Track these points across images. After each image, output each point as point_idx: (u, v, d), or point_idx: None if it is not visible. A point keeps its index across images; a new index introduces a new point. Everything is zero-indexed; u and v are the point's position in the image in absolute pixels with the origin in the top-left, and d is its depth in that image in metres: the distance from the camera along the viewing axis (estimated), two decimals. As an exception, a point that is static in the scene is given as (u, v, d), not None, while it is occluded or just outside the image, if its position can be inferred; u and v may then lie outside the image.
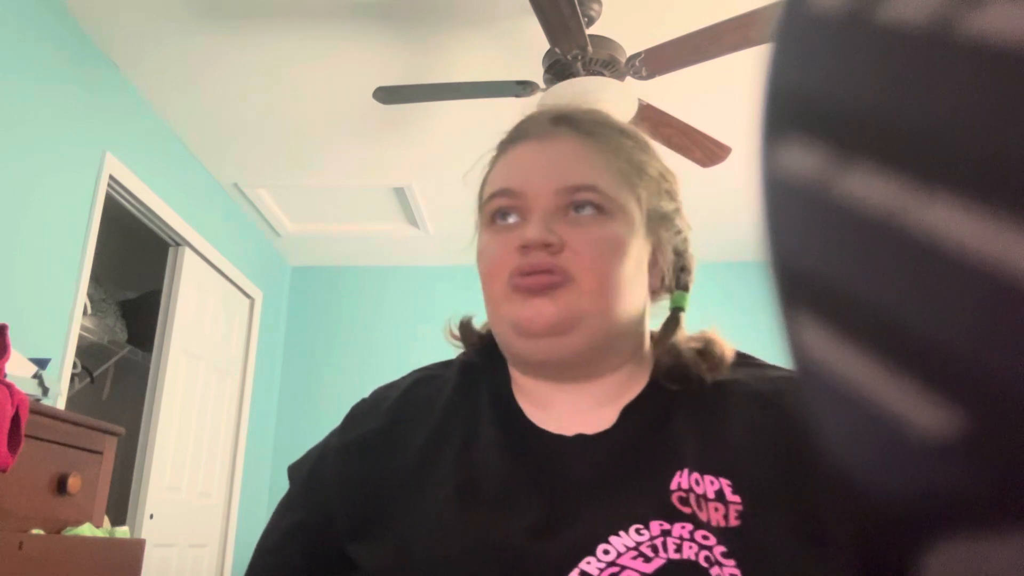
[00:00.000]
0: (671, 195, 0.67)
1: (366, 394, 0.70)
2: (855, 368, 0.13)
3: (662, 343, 0.64)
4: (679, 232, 0.68)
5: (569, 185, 0.59)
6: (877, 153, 0.13)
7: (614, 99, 2.29)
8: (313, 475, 0.65)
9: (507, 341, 0.60)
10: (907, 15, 0.12)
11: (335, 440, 0.66)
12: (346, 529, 0.59)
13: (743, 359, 0.65)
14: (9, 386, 1.55)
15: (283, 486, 0.68)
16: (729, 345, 0.63)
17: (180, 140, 3.31)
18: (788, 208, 0.15)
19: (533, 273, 0.57)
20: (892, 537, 0.14)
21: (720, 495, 0.51)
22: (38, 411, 1.68)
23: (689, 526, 0.50)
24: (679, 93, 2.80)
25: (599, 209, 0.59)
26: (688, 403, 0.59)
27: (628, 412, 0.60)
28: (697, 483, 0.52)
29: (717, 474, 0.53)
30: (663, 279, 0.65)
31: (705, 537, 0.49)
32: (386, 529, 0.57)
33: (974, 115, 0.11)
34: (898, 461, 0.13)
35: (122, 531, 1.93)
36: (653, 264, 0.64)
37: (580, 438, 0.58)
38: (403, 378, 0.69)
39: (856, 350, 0.13)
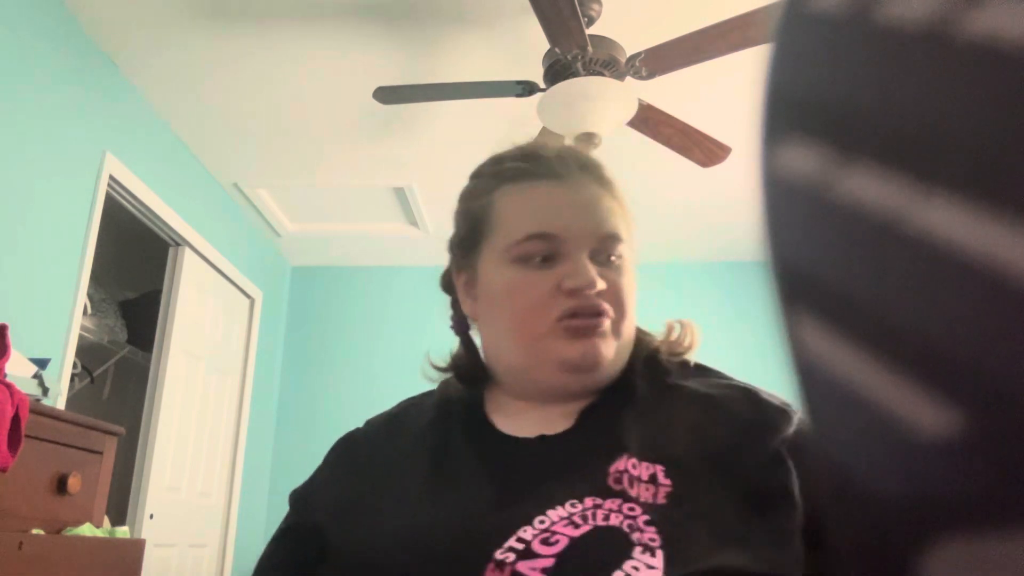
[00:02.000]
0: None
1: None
2: (855, 368, 0.13)
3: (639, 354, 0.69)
4: None
5: (607, 233, 0.64)
6: (877, 153, 0.13)
7: (614, 99, 2.29)
8: (307, 488, 0.71)
9: (543, 374, 0.64)
10: (906, 15, 0.12)
11: (328, 458, 0.73)
12: (327, 518, 0.64)
13: (701, 369, 0.69)
14: (9, 386, 1.55)
15: (283, 485, 0.72)
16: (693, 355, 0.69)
17: (180, 140, 3.31)
18: (788, 208, 0.15)
19: (590, 316, 0.62)
20: (892, 537, 0.14)
21: (653, 478, 0.56)
22: (38, 411, 1.67)
23: (619, 500, 0.54)
24: (679, 93, 2.80)
25: (620, 258, 0.65)
26: (640, 403, 0.64)
27: (585, 414, 0.65)
28: (634, 467, 0.57)
29: (653, 461, 0.57)
30: None
31: (631, 509, 0.53)
32: (361, 509, 0.63)
33: (973, 115, 0.11)
34: (898, 461, 0.13)
35: (122, 531, 1.93)
36: None
37: (541, 439, 0.64)
38: (392, 407, 0.76)
39: (856, 350, 0.13)
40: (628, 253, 0.66)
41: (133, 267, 4.14)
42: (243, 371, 4.03)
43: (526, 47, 2.63)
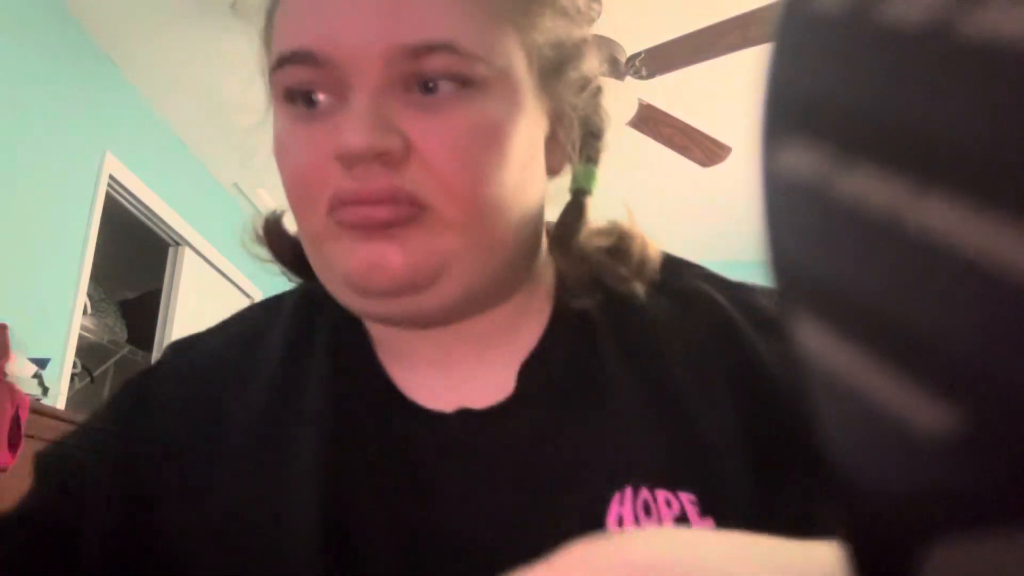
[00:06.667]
0: (572, 15, 0.43)
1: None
2: (855, 368, 0.13)
3: (562, 246, 0.43)
4: (586, 82, 0.44)
5: (409, 44, 0.35)
6: (878, 153, 0.13)
7: (614, 99, 2.29)
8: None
9: (339, 294, 0.40)
10: (908, 15, 0.12)
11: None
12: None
13: (675, 265, 0.47)
14: (9, 386, 1.55)
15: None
16: (652, 241, 0.45)
17: (180, 140, 3.31)
18: (788, 208, 0.15)
19: (365, 203, 0.36)
20: (892, 536, 0.14)
21: (683, 520, 0.36)
22: (38, 411, 1.68)
23: None
24: (679, 93, 2.80)
25: (463, 82, 0.36)
26: (615, 344, 0.42)
27: (530, 373, 0.42)
28: (647, 509, 0.37)
29: (675, 486, 0.37)
30: (568, 156, 0.44)
31: None
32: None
33: (975, 115, 0.11)
34: (898, 460, 0.13)
35: (122, 531, 1.93)
36: (552, 141, 0.43)
37: (464, 417, 0.41)
38: (210, 339, 0.52)
39: (856, 350, 0.13)
40: (483, 69, 0.37)
41: (133, 267, 4.14)
42: (243, 371, 4.03)
43: (526, 47, 2.63)
